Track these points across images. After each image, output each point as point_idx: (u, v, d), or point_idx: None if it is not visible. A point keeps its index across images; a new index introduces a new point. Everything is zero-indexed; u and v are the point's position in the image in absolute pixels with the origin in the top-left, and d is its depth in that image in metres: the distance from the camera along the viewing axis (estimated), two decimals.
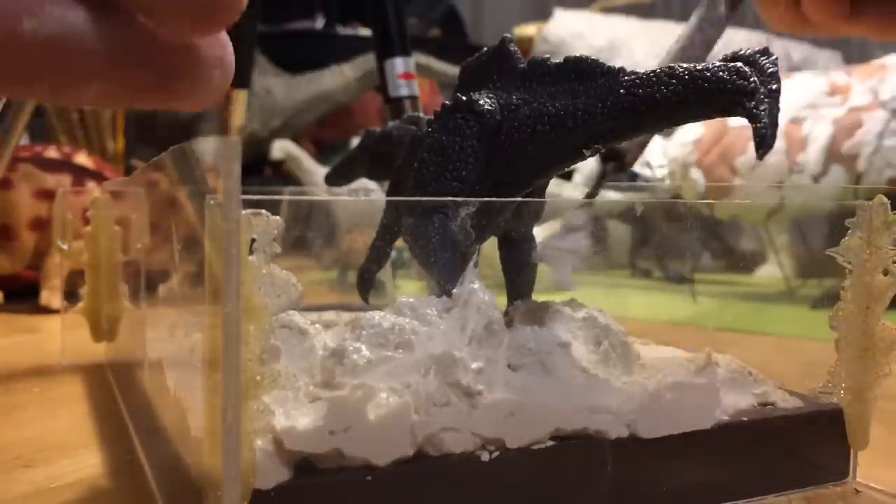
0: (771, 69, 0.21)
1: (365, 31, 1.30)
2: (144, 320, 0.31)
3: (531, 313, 0.25)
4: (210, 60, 0.15)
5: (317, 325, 0.23)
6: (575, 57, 0.24)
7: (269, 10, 1.24)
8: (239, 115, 0.87)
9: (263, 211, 0.17)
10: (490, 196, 0.25)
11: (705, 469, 0.24)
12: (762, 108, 0.21)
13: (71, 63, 0.13)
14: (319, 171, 0.90)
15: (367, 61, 1.17)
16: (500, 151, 0.24)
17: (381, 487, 0.19)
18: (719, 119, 0.22)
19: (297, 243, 0.56)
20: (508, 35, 0.26)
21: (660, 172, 0.97)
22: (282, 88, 1.21)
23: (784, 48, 1.43)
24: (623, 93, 0.23)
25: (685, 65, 0.22)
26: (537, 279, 0.29)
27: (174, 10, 0.14)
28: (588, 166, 1.02)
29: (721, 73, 0.21)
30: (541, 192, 0.27)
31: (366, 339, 0.21)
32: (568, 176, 1.00)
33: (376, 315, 0.22)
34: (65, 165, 0.71)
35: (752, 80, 0.21)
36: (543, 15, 1.54)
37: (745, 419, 0.24)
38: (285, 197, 0.47)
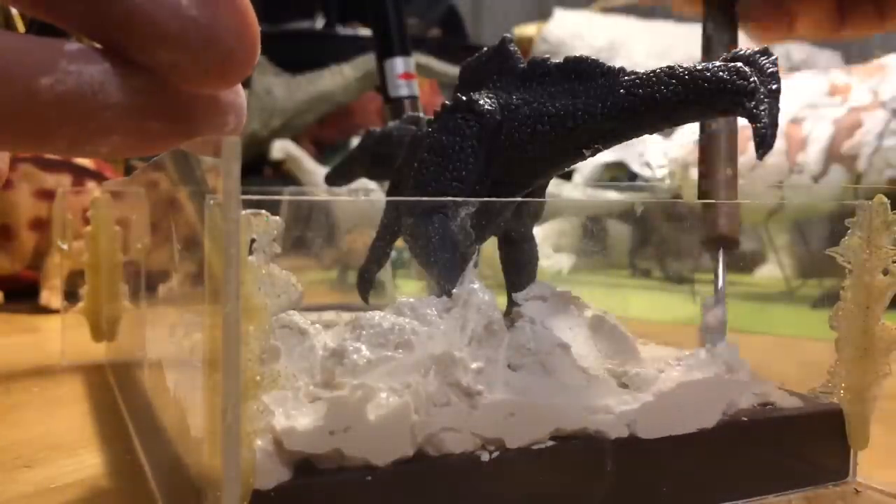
0: (771, 69, 0.21)
1: (365, 31, 1.30)
2: (144, 320, 0.31)
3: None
4: (224, 106, 0.15)
5: (317, 325, 0.23)
6: (575, 57, 0.24)
7: (269, 10, 1.24)
8: None
9: (263, 211, 0.17)
10: (490, 196, 0.25)
11: (705, 469, 0.24)
12: (762, 108, 0.21)
13: (89, 118, 0.13)
14: (319, 171, 0.90)
15: (367, 61, 1.17)
16: (500, 151, 0.24)
17: (381, 487, 0.19)
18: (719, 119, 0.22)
19: (297, 243, 0.56)
20: (508, 35, 0.26)
21: (660, 172, 0.97)
22: (282, 88, 1.21)
23: (784, 48, 1.43)
24: (623, 93, 0.23)
25: (685, 65, 0.22)
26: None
27: (190, 67, 0.14)
28: (588, 166, 1.02)
29: (721, 73, 0.21)
30: (541, 192, 0.27)
31: (366, 339, 0.21)
32: (568, 176, 1.00)
33: (376, 315, 0.22)
34: (65, 165, 0.71)
35: (752, 80, 0.21)
36: (543, 15, 1.54)
37: (745, 419, 0.24)
38: (285, 197, 0.47)
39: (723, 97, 0.21)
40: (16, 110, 0.12)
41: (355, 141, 0.96)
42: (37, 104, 0.12)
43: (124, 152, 0.14)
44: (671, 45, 1.41)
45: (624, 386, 0.24)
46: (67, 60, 0.13)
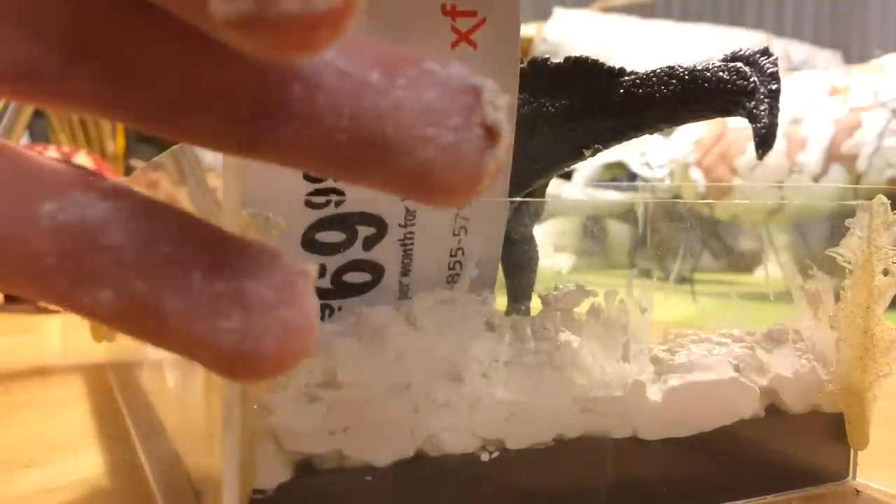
0: (771, 69, 0.21)
1: None
2: None
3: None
4: (266, 310, 0.10)
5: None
6: (575, 57, 0.24)
7: None
8: None
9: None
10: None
11: (705, 469, 0.24)
12: (762, 108, 0.21)
13: (84, 259, 0.11)
14: None
15: None
16: None
17: (381, 487, 0.19)
18: (719, 119, 0.22)
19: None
20: None
21: (660, 172, 0.97)
22: None
23: (784, 48, 1.43)
24: (623, 93, 0.23)
25: (685, 65, 0.22)
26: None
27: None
28: (588, 166, 1.02)
29: (721, 73, 0.21)
30: (541, 192, 0.27)
31: (367, 339, 0.21)
32: (568, 176, 1.00)
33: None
34: None
35: (752, 80, 0.21)
36: (543, 15, 1.54)
37: (746, 419, 0.24)
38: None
39: (723, 97, 0.21)
40: (10, 234, 0.10)
41: None
42: (33, 230, 0.10)
43: (122, 323, 0.11)
44: (671, 45, 1.41)
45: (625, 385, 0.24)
46: (82, 191, 0.11)
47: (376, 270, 0.23)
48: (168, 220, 0.11)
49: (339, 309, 0.23)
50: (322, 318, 0.23)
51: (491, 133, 0.10)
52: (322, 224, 0.22)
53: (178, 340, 0.11)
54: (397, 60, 0.10)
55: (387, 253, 0.23)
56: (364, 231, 0.22)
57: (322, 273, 0.23)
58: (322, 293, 0.23)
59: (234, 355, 0.10)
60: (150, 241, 0.11)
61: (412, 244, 0.23)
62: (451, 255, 0.24)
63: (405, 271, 0.24)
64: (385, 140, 0.10)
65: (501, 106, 0.10)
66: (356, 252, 0.23)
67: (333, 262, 0.23)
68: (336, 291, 0.23)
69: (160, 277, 0.10)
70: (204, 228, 0.11)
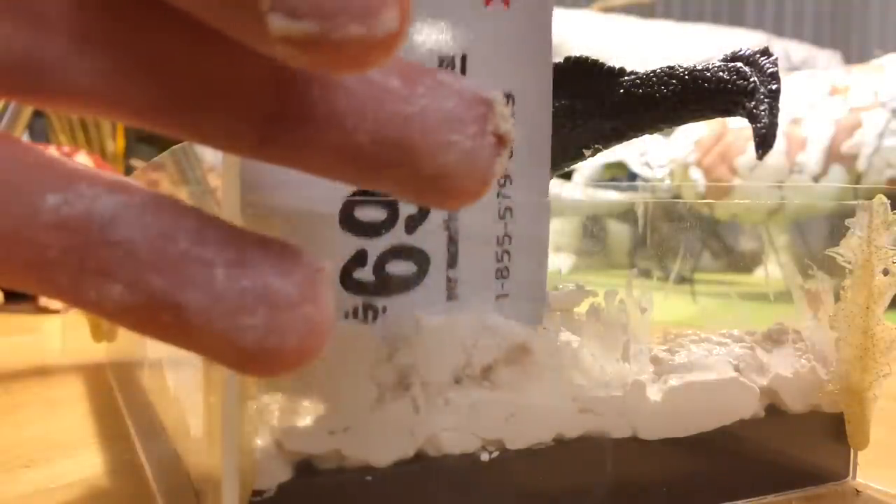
0: (771, 69, 0.21)
1: None
2: None
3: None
4: (290, 307, 0.10)
5: None
6: (575, 57, 0.24)
7: None
8: None
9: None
10: None
11: (705, 469, 0.24)
12: (762, 108, 0.21)
13: (89, 254, 0.10)
14: None
15: None
16: None
17: (381, 487, 0.19)
18: (719, 119, 0.22)
19: None
20: None
21: (660, 172, 0.97)
22: None
23: (784, 48, 1.43)
24: (623, 93, 0.23)
25: (685, 65, 0.22)
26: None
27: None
28: (588, 166, 1.02)
29: (721, 73, 0.21)
30: None
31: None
32: (568, 176, 1.00)
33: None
34: None
35: (752, 80, 0.21)
36: None
37: (746, 419, 0.24)
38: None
39: (723, 97, 0.21)
40: (11, 227, 0.10)
41: None
42: (36, 223, 0.10)
43: (133, 321, 0.11)
44: (671, 45, 1.41)
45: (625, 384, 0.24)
46: (88, 184, 0.10)
47: (422, 259, 0.21)
48: (184, 216, 0.11)
49: (384, 310, 0.21)
50: (366, 321, 0.21)
51: (501, 141, 0.11)
52: (359, 199, 0.20)
53: (196, 337, 0.11)
54: (414, 70, 0.11)
55: (431, 237, 0.21)
56: (405, 209, 0.20)
57: (363, 261, 0.20)
58: (364, 287, 0.20)
59: (257, 352, 0.10)
60: (165, 237, 0.11)
61: (456, 227, 0.21)
62: (497, 244, 0.22)
63: (452, 262, 0.21)
64: (411, 144, 0.10)
65: (508, 116, 0.11)
66: (398, 235, 0.20)
67: (375, 246, 0.20)
68: (379, 285, 0.21)
69: (180, 274, 0.10)
70: (222, 225, 0.11)
